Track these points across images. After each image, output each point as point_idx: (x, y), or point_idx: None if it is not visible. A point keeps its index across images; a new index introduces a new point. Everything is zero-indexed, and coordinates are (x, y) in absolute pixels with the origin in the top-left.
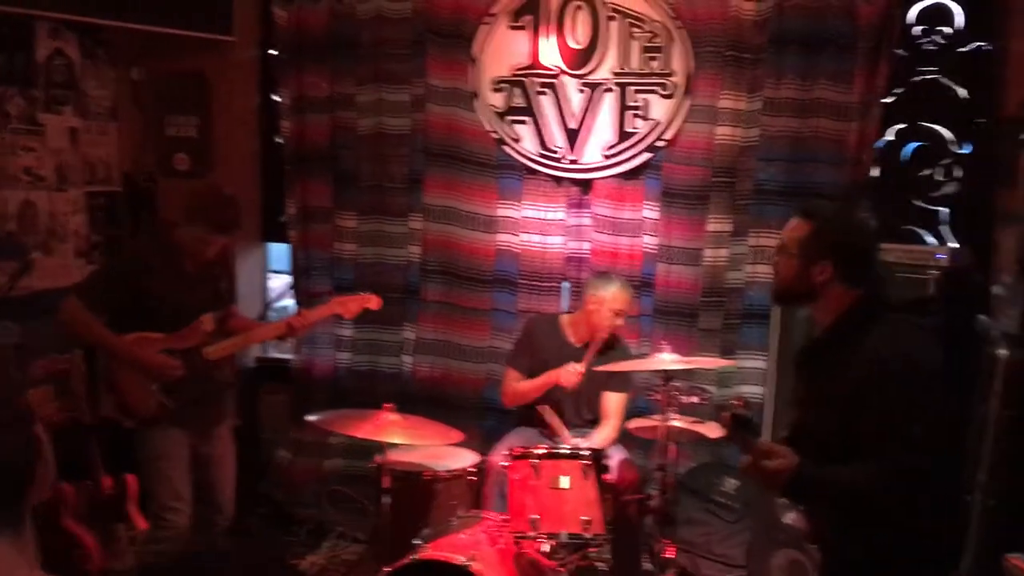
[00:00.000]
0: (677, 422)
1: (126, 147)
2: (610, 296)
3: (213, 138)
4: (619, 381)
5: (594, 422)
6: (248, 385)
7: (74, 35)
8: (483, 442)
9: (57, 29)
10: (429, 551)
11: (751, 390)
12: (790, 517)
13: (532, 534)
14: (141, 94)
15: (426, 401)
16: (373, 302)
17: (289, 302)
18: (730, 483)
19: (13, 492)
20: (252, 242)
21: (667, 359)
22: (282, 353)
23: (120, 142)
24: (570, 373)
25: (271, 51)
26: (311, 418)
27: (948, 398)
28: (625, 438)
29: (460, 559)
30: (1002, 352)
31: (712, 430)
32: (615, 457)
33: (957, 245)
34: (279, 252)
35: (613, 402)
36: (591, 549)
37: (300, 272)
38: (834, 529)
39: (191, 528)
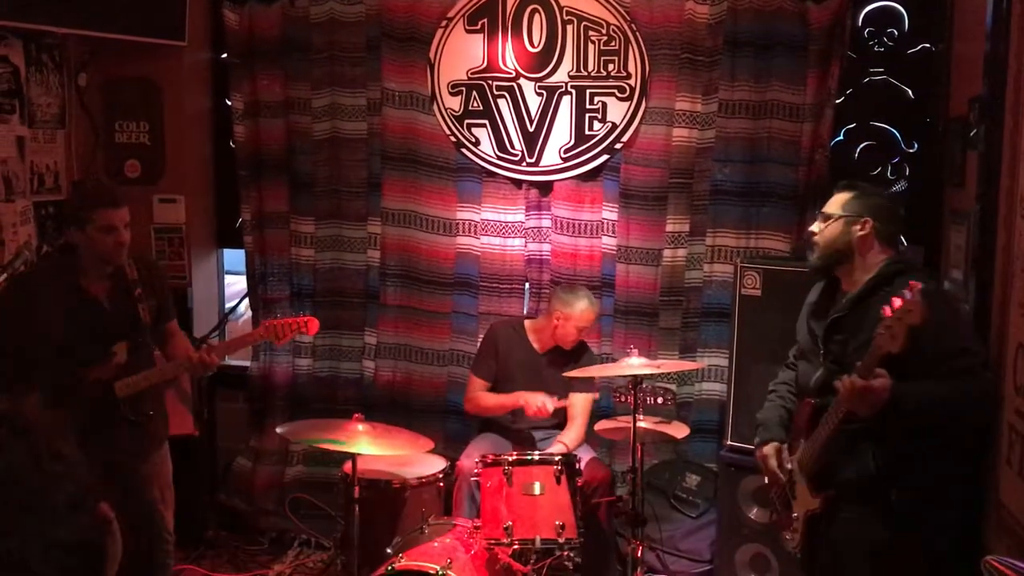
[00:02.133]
0: (644, 423)
1: (75, 155)
2: (577, 313)
3: (165, 144)
4: (584, 382)
5: (560, 424)
6: (205, 394)
7: (19, 41)
8: (447, 446)
9: (1, 36)
10: (404, 561)
11: (712, 387)
12: (754, 512)
13: (506, 541)
14: (89, 101)
15: (388, 406)
16: (311, 327)
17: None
18: (693, 479)
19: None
20: (207, 248)
21: (636, 363)
22: (239, 360)
23: (68, 150)
24: (539, 408)
25: (223, 55)
26: (280, 430)
27: None
28: (591, 438)
29: (435, 568)
30: None
31: (678, 430)
32: (584, 458)
33: (906, 243)
34: (236, 258)
35: (579, 403)
36: (565, 553)
37: (257, 278)
38: (887, 468)
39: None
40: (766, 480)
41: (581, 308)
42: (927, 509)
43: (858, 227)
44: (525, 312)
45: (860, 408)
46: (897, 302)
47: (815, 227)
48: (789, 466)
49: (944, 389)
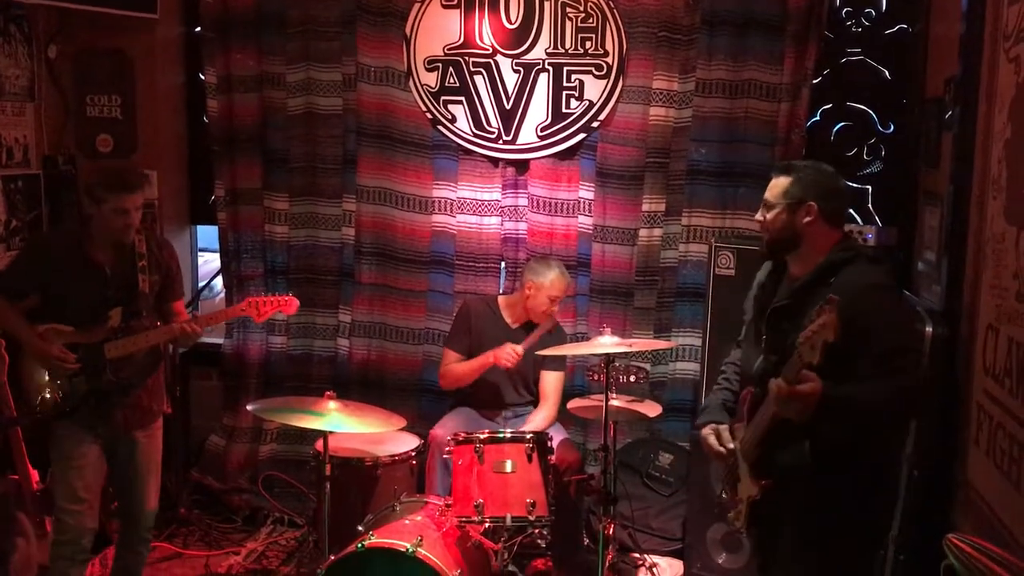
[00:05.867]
0: (616, 401)
1: (45, 128)
2: (548, 283)
3: (137, 118)
4: (556, 360)
5: (532, 401)
6: (178, 371)
7: None
8: (421, 424)
9: None
10: (374, 538)
11: (686, 367)
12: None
13: (476, 518)
14: (59, 73)
15: (363, 384)
16: (290, 306)
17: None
18: (665, 458)
19: None
20: (180, 224)
21: (608, 342)
22: (212, 338)
23: (38, 123)
24: (508, 354)
25: (197, 28)
26: (251, 407)
27: None
28: (563, 417)
29: (406, 545)
30: (927, 328)
31: (650, 408)
32: (556, 438)
33: (880, 224)
34: (210, 234)
35: (551, 382)
36: (534, 530)
37: (231, 255)
38: (821, 459)
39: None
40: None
41: (551, 278)
42: (865, 497)
43: (802, 213)
44: (501, 291)
45: (788, 413)
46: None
47: (759, 215)
48: (731, 446)
49: (876, 390)
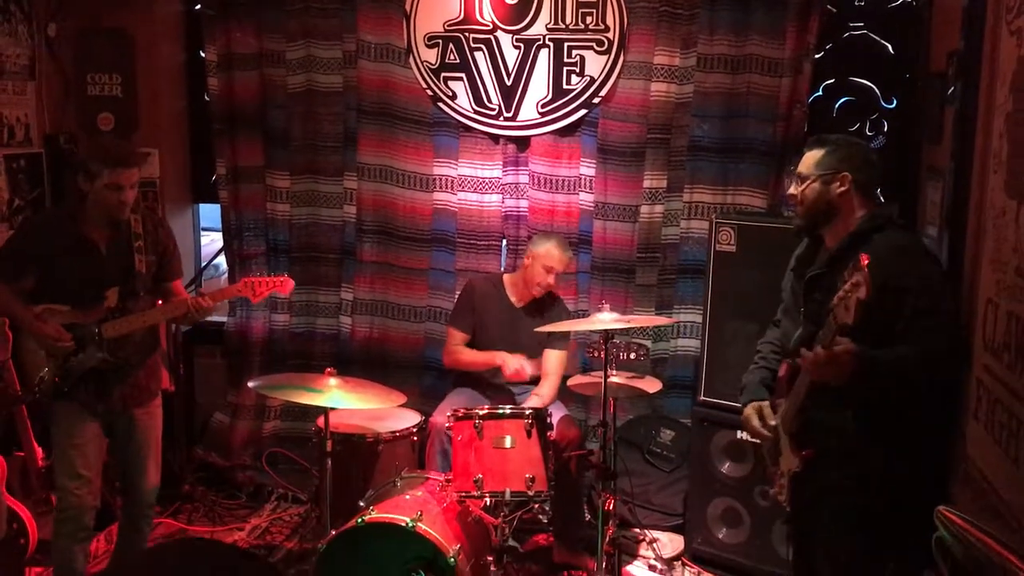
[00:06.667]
0: (616, 378)
1: (46, 107)
2: (543, 252)
3: (138, 97)
4: (558, 338)
5: (535, 380)
6: (181, 349)
7: None
8: (423, 401)
9: None
10: (374, 513)
11: (688, 343)
12: (726, 467)
13: (476, 493)
14: (60, 52)
15: (365, 362)
16: (285, 287)
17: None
18: (667, 434)
19: None
20: (182, 203)
21: (607, 318)
22: (216, 316)
23: (39, 102)
24: (515, 369)
25: (197, 6)
26: (252, 383)
27: None
28: (564, 394)
29: (406, 519)
30: None
31: (650, 385)
32: (556, 415)
33: (883, 199)
34: (213, 214)
35: (553, 359)
36: (535, 506)
37: (232, 233)
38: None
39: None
40: (755, 439)
41: (547, 247)
42: (909, 471)
43: (836, 184)
44: (503, 269)
45: (826, 376)
46: (848, 276)
47: (792, 189)
48: (773, 423)
49: (912, 349)
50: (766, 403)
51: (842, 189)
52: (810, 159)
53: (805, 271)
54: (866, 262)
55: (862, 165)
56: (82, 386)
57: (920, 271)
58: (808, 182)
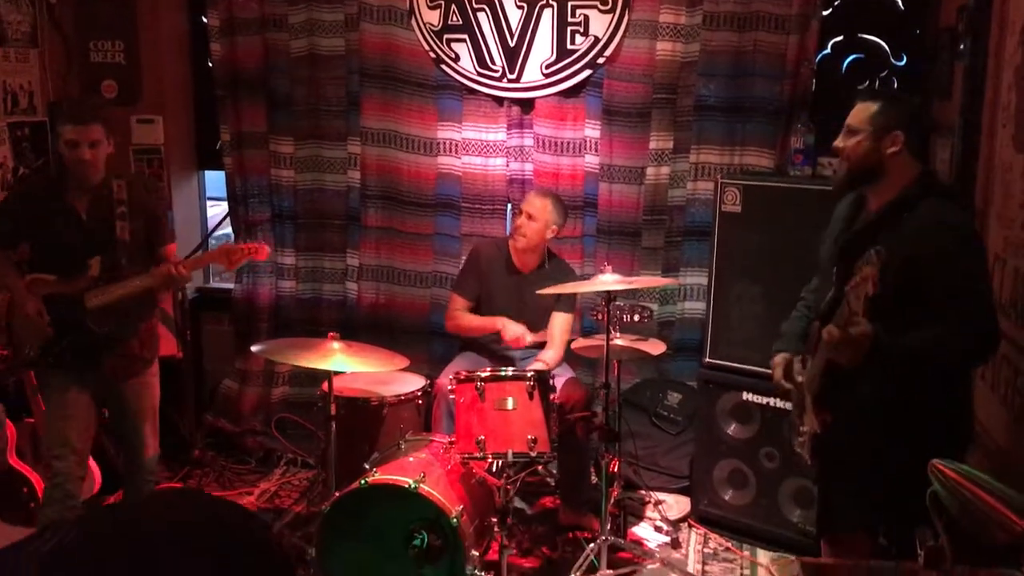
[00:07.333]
0: (620, 340)
1: (49, 75)
2: (527, 199)
3: (141, 63)
4: (565, 302)
5: (541, 344)
6: (188, 315)
7: None
8: (430, 366)
9: None
10: (378, 475)
11: (695, 306)
12: (731, 428)
13: (479, 454)
14: (61, 19)
15: (372, 327)
16: (261, 253)
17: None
18: (673, 397)
19: None
20: (188, 170)
21: (608, 280)
22: (223, 283)
23: (42, 70)
24: (516, 336)
25: None
26: (255, 348)
27: None
28: (571, 357)
29: (409, 481)
30: None
31: (654, 347)
32: (562, 377)
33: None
34: (221, 183)
35: (559, 323)
36: (538, 467)
37: (237, 200)
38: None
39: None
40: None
41: (531, 195)
42: (932, 439)
43: (888, 142)
44: (508, 234)
45: (841, 357)
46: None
47: (839, 142)
48: (800, 379)
49: (939, 334)
50: (797, 357)
51: (893, 149)
52: (863, 112)
53: (843, 231)
54: (879, 256)
55: (916, 125)
56: (71, 356)
57: (962, 251)
58: (858, 137)
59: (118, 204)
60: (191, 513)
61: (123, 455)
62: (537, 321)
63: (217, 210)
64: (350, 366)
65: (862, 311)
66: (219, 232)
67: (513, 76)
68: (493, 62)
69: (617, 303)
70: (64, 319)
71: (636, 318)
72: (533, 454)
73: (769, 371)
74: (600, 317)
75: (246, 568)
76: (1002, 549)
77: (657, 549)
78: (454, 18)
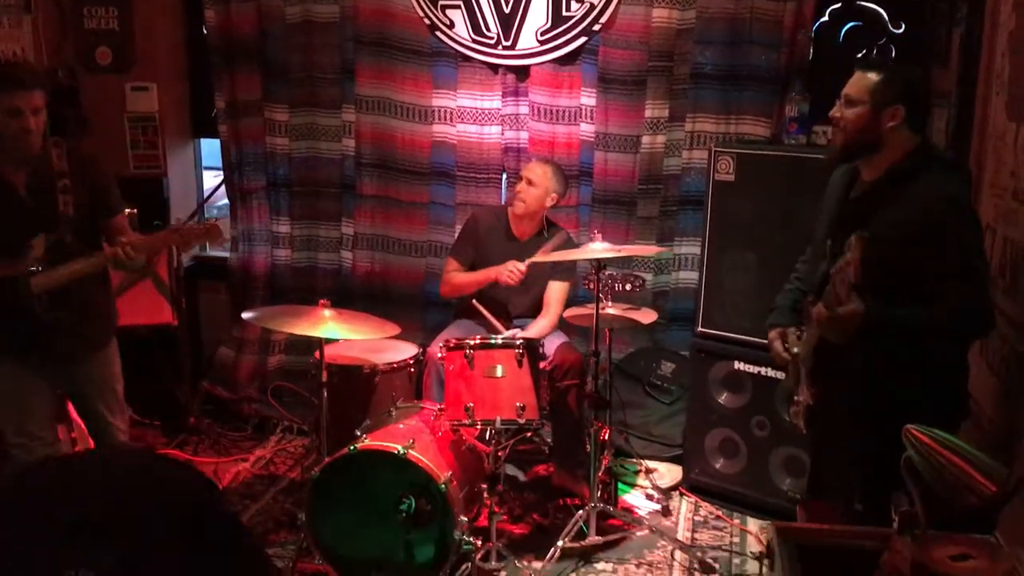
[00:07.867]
0: (612, 309)
1: (43, 41)
2: (527, 167)
3: (135, 30)
4: (563, 271)
5: (536, 310)
6: (183, 283)
7: None
8: (424, 335)
9: None
10: (367, 441)
11: (689, 276)
12: (723, 397)
13: (467, 421)
14: None
15: (367, 296)
16: (214, 235)
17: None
18: (667, 367)
19: None
20: (183, 138)
21: (599, 248)
22: (219, 251)
23: (36, 36)
24: (511, 272)
25: None
26: (247, 315)
27: None
28: (563, 326)
29: (397, 447)
30: None
31: (646, 316)
32: (554, 343)
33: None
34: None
35: (555, 291)
36: (528, 433)
37: (232, 168)
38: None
39: None
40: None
41: (533, 162)
42: (925, 406)
43: (888, 116)
44: (504, 202)
45: (830, 336)
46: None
47: (836, 111)
48: (796, 350)
49: (934, 311)
50: (792, 329)
51: (893, 123)
52: (862, 83)
53: (839, 203)
54: (862, 242)
55: (917, 99)
56: (18, 344)
57: (961, 227)
58: (857, 109)
59: (59, 176)
60: (130, 470)
61: (89, 430)
62: (535, 289)
63: (216, 181)
64: (341, 333)
65: (846, 297)
66: (219, 202)
67: (508, 43)
68: (488, 29)
69: (609, 272)
70: (7, 305)
71: (628, 287)
72: (522, 421)
73: (761, 340)
74: (591, 286)
75: (183, 533)
76: (975, 513)
77: (647, 517)
78: None
